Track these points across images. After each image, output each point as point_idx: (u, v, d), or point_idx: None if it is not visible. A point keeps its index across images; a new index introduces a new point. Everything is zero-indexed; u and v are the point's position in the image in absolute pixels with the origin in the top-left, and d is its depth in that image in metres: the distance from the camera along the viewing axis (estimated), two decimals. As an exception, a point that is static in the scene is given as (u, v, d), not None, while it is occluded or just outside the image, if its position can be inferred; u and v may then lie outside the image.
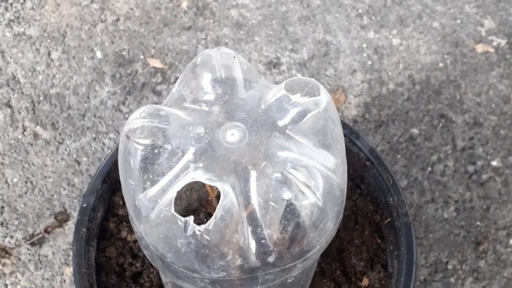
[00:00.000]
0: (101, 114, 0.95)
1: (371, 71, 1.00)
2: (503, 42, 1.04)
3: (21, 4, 1.07)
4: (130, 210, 0.46)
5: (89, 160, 0.91)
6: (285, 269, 0.46)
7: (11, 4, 1.07)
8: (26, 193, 0.89)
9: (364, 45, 1.03)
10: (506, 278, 0.84)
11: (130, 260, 0.69)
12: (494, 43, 1.04)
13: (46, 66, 1.00)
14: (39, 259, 0.84)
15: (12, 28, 1.04)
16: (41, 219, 0.87)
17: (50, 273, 0.83)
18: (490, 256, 0.86)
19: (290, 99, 0.46)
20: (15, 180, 0.90)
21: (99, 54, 1.01)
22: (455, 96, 0.99)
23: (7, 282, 0.82)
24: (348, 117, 0.96)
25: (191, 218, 0.41)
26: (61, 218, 0.86)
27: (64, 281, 0.83)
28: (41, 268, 0.83)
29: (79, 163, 0.91)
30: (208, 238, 0.42)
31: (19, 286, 0.82)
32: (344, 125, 0.69)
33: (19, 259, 0.84)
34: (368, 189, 0.73)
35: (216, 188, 0.43)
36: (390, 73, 1.01)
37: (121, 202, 0.72)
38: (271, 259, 0.44)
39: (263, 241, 0.43)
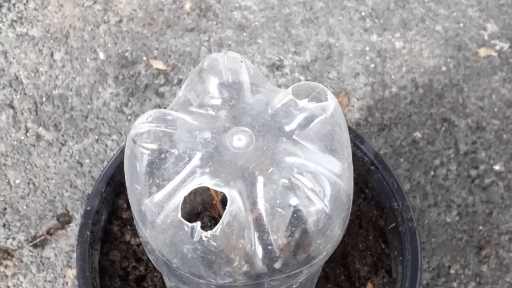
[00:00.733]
0: (104, 115, 0.95)
1: (374, 74, 1.00)
2: (506, 46, 1.04)
3: (24, 4, 1.06)
4: (136, 215, 0.46)
5: (92, 161, 0.91)
6: (291, 275, 0.46)
7: (14, 5, 1.06)
8: (28, 194, 0.88)
9: (367, 48, 1.03)
10: (508, 283, 0.84)
11: (134, 264, 0.68)
12: (497, 47, 1.04)
13: (49, 67, 1.00)
14: (41, 261, 0.84)
15: (14, 29, 1.04)
16: (44, 220, 0.86)
17: (52, 275, 0.83)
18: (492, 260, 0.85)
19: (297, 104, 0.46)
20: (17, 181, 0.89)
21: (102, 55, 1.01)
22: (458, 100, 0.98)
23: (9, 284, 0.82)
24: (351, 120, 0.96)
25: (198, 224, 0.41)
26: (64, 220, 0.86)
27: (66, 283, 0.82)
28: (43, 270, 0.83)
29: (81, 165, 0.91)
30: (215, 244, 0.41)
31: (20, 288, 0.82)
32: (349, 129, 0.68)
33: (21, 261, 0.84)
34: (372, 193, 0.73)
35: (221, 192, 0.43)
36: (393, 76, 1.00)
37: (125, 205, 0.71)
38: (277, 265, 0.44)
39: (269, 247, 0.43)
